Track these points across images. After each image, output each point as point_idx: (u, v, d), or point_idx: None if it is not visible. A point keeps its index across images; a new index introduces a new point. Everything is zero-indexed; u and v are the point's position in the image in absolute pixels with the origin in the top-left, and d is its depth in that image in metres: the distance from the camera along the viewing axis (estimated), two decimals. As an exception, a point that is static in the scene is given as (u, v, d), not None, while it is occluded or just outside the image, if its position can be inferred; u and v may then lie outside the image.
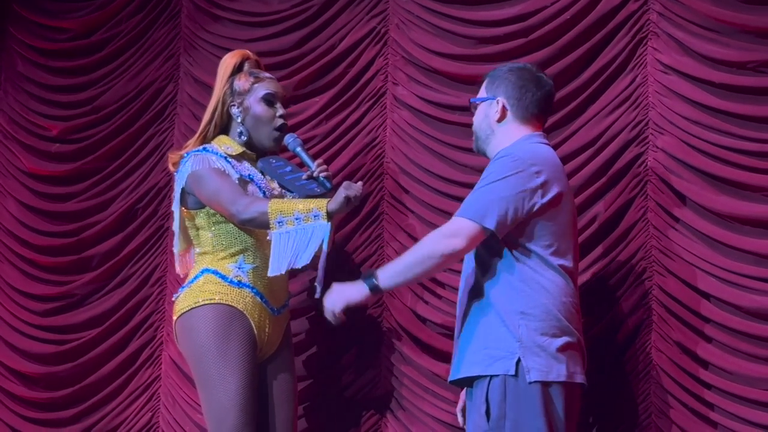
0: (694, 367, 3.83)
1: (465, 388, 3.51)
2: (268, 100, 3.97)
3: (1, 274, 5.19)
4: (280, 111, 3.99)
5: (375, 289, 3.42)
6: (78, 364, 4.91)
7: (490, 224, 3.33)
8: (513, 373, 3.30)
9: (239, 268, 3.88)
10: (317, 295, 3.72)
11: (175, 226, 4.01)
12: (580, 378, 3.40)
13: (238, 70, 4.01)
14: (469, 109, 3.71)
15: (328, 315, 3.48)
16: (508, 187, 3.36)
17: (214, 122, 4.00)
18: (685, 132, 3.95)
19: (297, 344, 4.32)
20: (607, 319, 3.99)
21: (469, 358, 3.39)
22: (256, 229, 3.83)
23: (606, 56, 4.14)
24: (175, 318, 3.90)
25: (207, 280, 3.86)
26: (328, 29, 4.68)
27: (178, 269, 4.15)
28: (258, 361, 3.86)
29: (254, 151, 4.00)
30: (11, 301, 5.13)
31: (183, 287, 3.92)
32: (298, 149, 3.92)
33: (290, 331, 4.07)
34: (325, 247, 3.66)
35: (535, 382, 3.30)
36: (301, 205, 3.66)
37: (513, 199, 3.35)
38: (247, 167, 3.96)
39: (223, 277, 3.87)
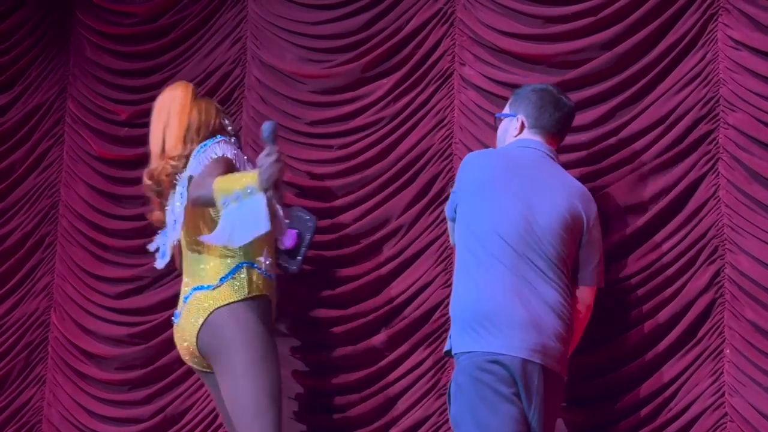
0: (767, 345, 3.79)
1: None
2: None
3: (73, 257, 5.25)
4: None
5: None
6: (150, 346, 4.96)
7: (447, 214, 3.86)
8: None
9: (266, 261, 4.10)
10: (293, 269, 4.24)
11: (180, 215, 4.12)
12: None
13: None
14: None
15: None
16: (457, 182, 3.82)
17: None
18: (757, 108, 3.90)
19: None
20: (678, 298, 3.97)
21: None
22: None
23: (676, 33, 4.09)
24: (218, 306, 4.02)
25: (249, 273, 4.05)
26: (395, 11, 4.67)
27: (164, 262, 4.28)
28: None
29: None
30: (83, 284, 5.18)
31: (223, 279, 4.06)
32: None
33: None
34: (265, 219, 3.75)
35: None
36: (238, 185, 3.81)
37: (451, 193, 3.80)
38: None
39: (262, 271, 4.10)
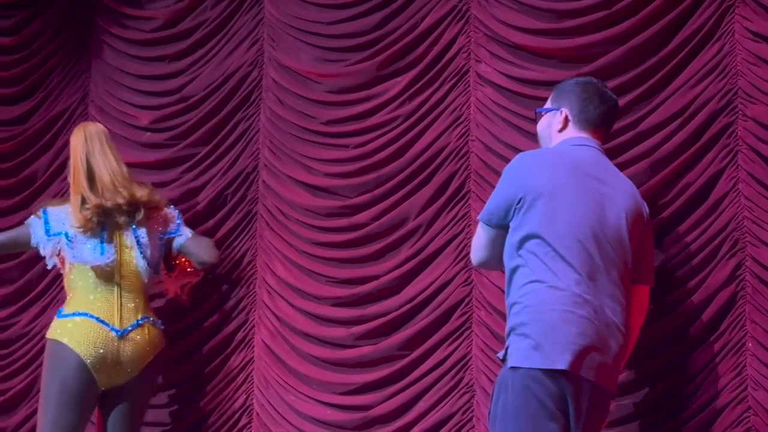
0: (790, 338, 3.77)
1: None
2: None
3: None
4: None
5: None
6: (174, 349, 4.98)
7: (485, 219, 3.61)
8: None
9: None
10: None
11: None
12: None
13: None
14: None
15: None
16: (500, 186, 3.61)
17: None
18: (777, 100, 3.89)
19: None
20: (699, 292, 3.94)
21: None
22: None
23: (692, 26, 4.08)
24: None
25: None
26: (409, 8, 4.67)
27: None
28: None
29: None
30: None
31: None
32: None
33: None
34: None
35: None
36: None
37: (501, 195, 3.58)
38: None
39: None
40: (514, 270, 3.50)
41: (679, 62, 4.09)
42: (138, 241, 4.62)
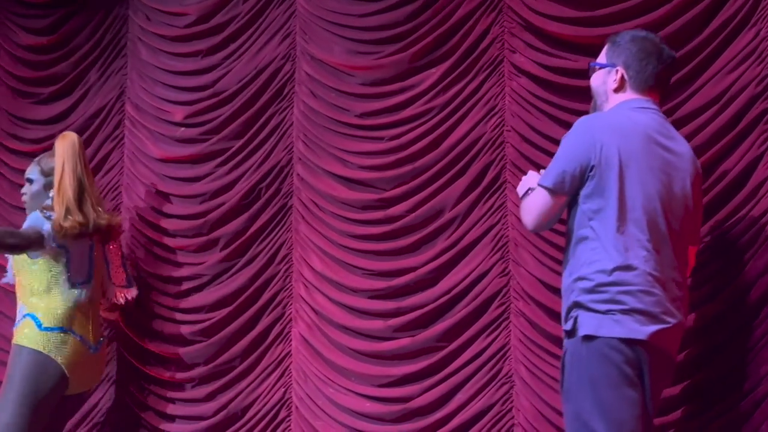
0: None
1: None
2: None
3: (135, 257, 5.29)
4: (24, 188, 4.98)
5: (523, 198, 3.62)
6: (211, 343, 5.00)
7: (551, 185, 3.48)
8: None
9: None
10: None
11: None
12: None
13: None
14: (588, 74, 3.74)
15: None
16: (567, 151, 3.46)
17: None
18: (816, 84, 3.85)
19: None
20: (738, 280, 3.90)
21: None
22: None
23: (727, 11, 4.04)
24: None
25: None
26: (442, 0, 4.66)
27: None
28: None
29: None
30: (146, 285, 5.23)
31: None
32: None
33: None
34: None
35: None
36: None
37: (571, 161, 3.45)
38: None
39: None
40: (582, 240, 3.45)
41: (714, 48, 4.05)
42: (106, 261, 4.92)
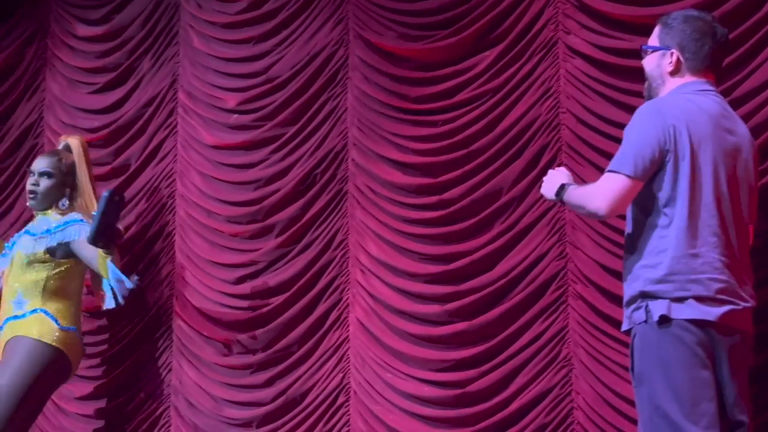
0: None
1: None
2: (30, 171, 5.05)
3: (190, 244, 5.32)
4: (32, 180, 5.00)
5: (560, 190, 3.55)
6: (269, 329, 5.01)
7: (630, 171, 3.39)
8: None
9: None
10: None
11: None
12: None
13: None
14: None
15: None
16: (641, 136, 3.40)
17: None
18: None
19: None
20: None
21: None
22: None
23: (785, -13, 3.99)
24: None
25: None
26: (494, -18, 4.65)
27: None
28: None
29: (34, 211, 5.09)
30: (201, 272, 5.25)
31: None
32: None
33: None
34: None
35: None
36: None
37: (647, 146, 3.38)
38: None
39: None
40: (650, 226, 3.42)
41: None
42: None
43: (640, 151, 3.40)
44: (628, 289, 3.46)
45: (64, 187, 5.01)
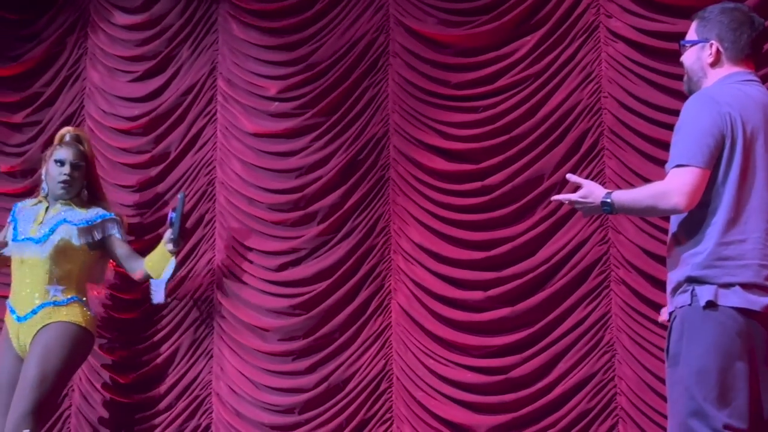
0: None
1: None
2: (59, 161, 5.06)
3: (232, 232, 5.34)
4: (65, 170, 5.05)
5: (605, 205, 3.44)
6: (311, 316, 5.02)
7: (701, 162, 3.33)
8: None
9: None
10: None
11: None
12: None
13: (60, 140, 5.17)
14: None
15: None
16: (700, 126, 3.36)
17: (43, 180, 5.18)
18: None
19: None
20: None
21: None
22: None
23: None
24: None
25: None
26: (535, -34, 4.63)
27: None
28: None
29: (56, 200, 5.12)
30: (243, 259, 5.27)
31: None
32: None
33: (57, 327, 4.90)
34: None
35: None
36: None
37: (708, 134, 3.34)
38: (28, 212, 5.13)
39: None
40: (701, 213, 3.39)
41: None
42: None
43: (703, 140, 3.37)
44: (674, 275, 3.44)
45: (84, 177, 5.15)
